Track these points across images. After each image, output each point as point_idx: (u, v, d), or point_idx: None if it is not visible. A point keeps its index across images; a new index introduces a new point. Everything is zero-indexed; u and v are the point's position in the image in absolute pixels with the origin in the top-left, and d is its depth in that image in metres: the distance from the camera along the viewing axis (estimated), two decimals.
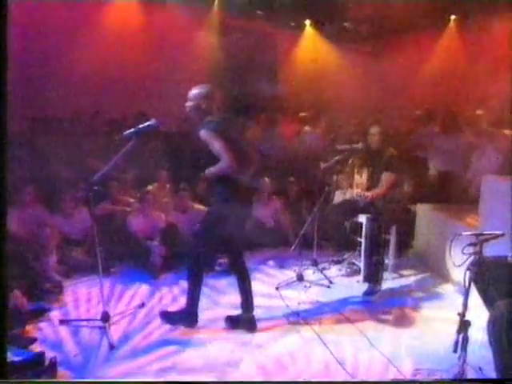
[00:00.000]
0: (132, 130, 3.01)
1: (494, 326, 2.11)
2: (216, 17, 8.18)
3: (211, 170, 3.01)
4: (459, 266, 2.33)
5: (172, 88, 6.93)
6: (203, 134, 2.94)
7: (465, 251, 2.24)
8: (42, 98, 6.06)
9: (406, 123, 6.30)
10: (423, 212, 4.77)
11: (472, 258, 2.31)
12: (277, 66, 8.54)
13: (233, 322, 3.24)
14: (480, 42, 7.75)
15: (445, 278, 4.06)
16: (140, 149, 4.77)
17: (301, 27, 8.98)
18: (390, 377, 2.69)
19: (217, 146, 2.91)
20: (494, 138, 4.84)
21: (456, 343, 2.39)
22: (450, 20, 8.99)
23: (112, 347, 2.95)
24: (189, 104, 3.10)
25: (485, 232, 2.34)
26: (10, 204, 4.32)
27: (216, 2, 8.22)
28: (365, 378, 2.68)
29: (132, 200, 5.01)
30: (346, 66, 7.99)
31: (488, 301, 2.36)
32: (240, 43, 8.34)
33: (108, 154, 3.55)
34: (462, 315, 2.40)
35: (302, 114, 6.76)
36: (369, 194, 3.77)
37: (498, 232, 2.34)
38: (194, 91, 3.09)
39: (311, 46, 8.64)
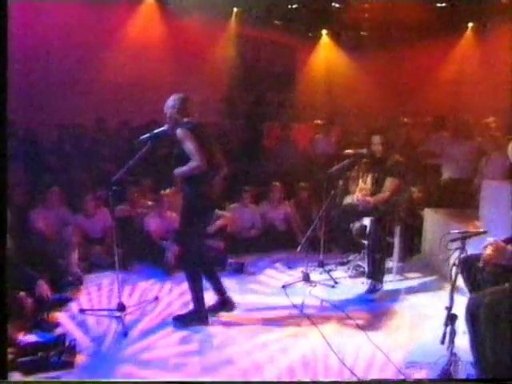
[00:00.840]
0: (147, 135, 3.33)
1: (468, 315, 2.29)
2: (234, 27, 8.54)
3: (181, 170, 3.20)
4: (445, 260, 2.52)
5: (190, 95, 7.31)
6: (179, 132, 3.15)
7: (448, 247, 2.43)
8: (68, 108, 6.53)
9: (418, 130, 6.45)
10: (431, 217, 4.91)
11: (457, 253, 2.50)
12: (293, 74, 8.82)
13: (215, 307, 3.51)
14: (495, 50, 7.85)
15: (447, 279, 4.19)
16: (157, 154, 5.12)
17: (317, 37, 9.26)
18: (385, 370, 2.87)
19: (190, 145, 3.10)
20: (500, 145, 4.96)
21: (443, 335, 2.58)
22: (467, 28, 9.11)
23: (125, 334, 3.25)
24: (167, 111, 3.30)
25: (469, 230, 2.52)
26: (36, 205, 4.77)
27: (234, 14, 8.60)
28: (363, 372, 2.86)
29: (149, 203, 5.34)
30: (360, 75, 8.21)
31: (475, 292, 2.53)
32: (257, 53, 8.68)
33: (127, 158, 3.86)
34: (449, 309, 2.59)
35: (316, 122, 7.01)
36: (370, 199, 3.98)
37: (480, 230, 2.53)
38: (172, 98, 3.31)
39: (327, 55, 8.90)
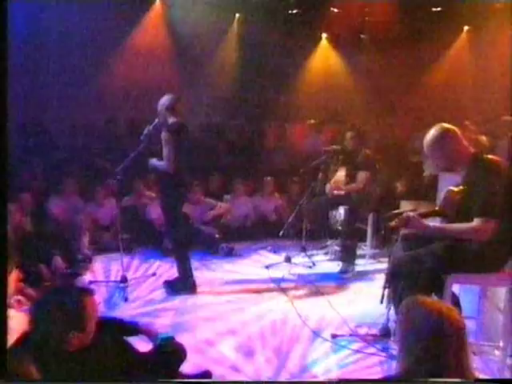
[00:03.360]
0: (145, 131, 4.03)
1: (389, 274, 2.93)
2: (236, 32, 9.25)
3: (154, 163, 3.91)
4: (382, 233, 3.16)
5: (194, 95, 8.10)
6: (164, 135, 3.79)
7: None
8: (80, 107, 7.34)
9: (403, 130, 7.05)
10: (406, 208, 5.51)
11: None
12: (293, 76, 9.46)
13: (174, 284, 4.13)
14: (488, 53, 8.37)
15: None
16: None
17: (317, 40, 9.90)
18: (340, 329, 3.49)
19: (167, 150, 3.77)
20: (469, 141, 5.53)
21: (382, 296, 3.21)
22: (462, 31, 9.62)
23: (126, 299, 3.97)
24: (159, 107, 3.90)
25: (403, 210, 3.16)
26: (53, 194, 5.53)
27: (236, 19, 9.31)
28: (323, 329, 3.49)
29: (153, 194, 6.07)
30: (356, 77, 8.82)
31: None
32: (259, 56, 9.37)
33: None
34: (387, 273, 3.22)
35: (310, 122, 7.66)
36: (342, 187, 4.63)
37: (410, 208, 3.17)
38: (165, 98, 3.92)
39: (325, 58, 9.54)
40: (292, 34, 9.47)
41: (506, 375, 2.76)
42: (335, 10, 9.39)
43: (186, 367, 2.59)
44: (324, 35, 9.94)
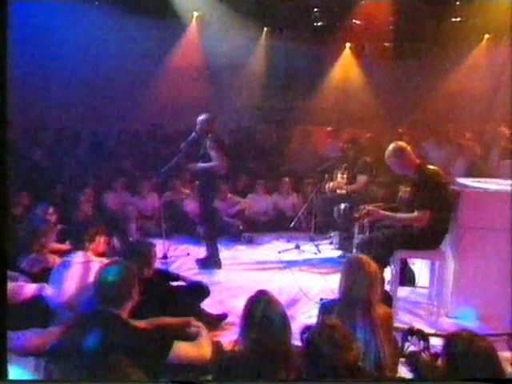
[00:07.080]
0: (185, 142, 5.46)
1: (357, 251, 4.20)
2: (265, 44, 10.65)
3: (202, 165, 5.19)
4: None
5: (225, 103, 9.56)
6: (209, 143, 5.11)
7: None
8: (126, 116, 8.97)
9: (409, 139, 8.19)
10: None
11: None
12: (316, 85, 10.76)
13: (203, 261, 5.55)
14: (504, 63, 9.35)
15: None
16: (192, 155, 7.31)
17: (341, 50, 11.16)
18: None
19: (214, 153, 5.08)
20: (462, 149, 6.67)
21: None
22: (482, 40, 10.59)
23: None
24: (198, 125, 5.21)
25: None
26: (106, 190, 7.12)
27: (264, 32, 10.72)
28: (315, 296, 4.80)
29: (187, 191, 7.56)
30: (374, 85, 10.00)
31: None
32: (285, 65, 10.74)
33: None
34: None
35: (329, 128, 8.95)
36: (345, 187, 5.92)
37: (378, 204, 4.43)
38: (201, 117, 5.20)
39: (348, 66, 10.78)
40: (317, 44, 10.79)
41: (441, 325, 3.99)
42: (357, 22, 10.62)
43: (210, 310, 4.02)
44: (348, 44, 11.19)
